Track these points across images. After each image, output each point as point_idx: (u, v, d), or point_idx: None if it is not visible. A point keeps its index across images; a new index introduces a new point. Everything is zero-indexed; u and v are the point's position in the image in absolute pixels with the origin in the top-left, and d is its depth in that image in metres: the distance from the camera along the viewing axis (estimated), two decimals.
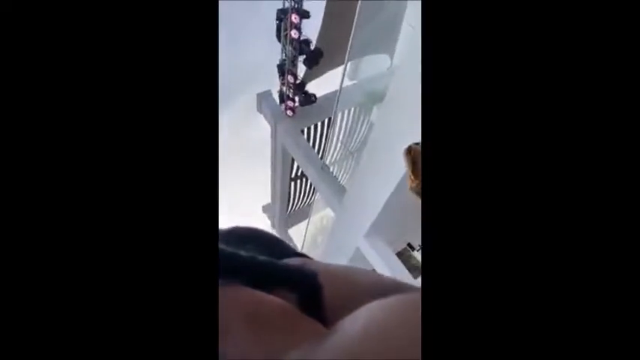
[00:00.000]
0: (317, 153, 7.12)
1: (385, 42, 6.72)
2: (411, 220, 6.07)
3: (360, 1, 3.87)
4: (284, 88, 6.50)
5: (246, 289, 0.18)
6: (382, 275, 0.22)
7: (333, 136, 6.90)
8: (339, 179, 7.10)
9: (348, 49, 4.38)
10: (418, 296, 0.16)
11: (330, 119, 6.94)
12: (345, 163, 7.87)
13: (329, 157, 7.28)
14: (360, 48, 4.51)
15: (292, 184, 9.02)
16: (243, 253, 0.20)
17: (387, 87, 4.24)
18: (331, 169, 6.82)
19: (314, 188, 9.10)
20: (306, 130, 7.39)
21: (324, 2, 5.16)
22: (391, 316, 0.13)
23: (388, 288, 0.19)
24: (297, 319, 0.17)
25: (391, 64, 7.31)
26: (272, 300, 0.18)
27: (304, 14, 5.15)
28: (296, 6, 5.02)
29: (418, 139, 3.51)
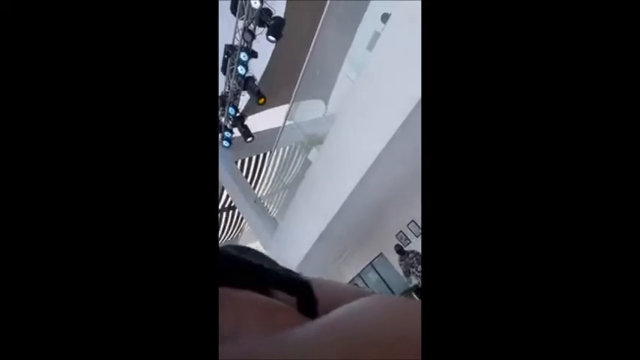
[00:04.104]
0: (250, 185, 7.12)
1: (322, 89, 7.31)
2: (338, 258, 6.35)
3: (311, 46, 4.26)
4: (223, 119, 6.52)
5: (257, 295, 0.19)
6: (360, 287, 0.28)
7: (268, 170, 7.01)
8: (270, 212, 7.14)
9: (295, 91, 4.71)
10: (393, 297, 0.18)
11: (264, 154, 7.09)
12: (275, 197, 7.97)
13: (262, 191, 7.33)
14: (300, 92, 4.89)
15: (220, 215, 8.71)
16: (258, 262, 0.22)
17: (323, 131, 4.61)
18: (263, 202, 6.85)
19: (242, 220, 8.90)
20: (240, 161, 7.38)
21: (273, 46, 5.51)
22: (361, 306, 0.15)
23: (367, 294, 0.21)
24: (298, 320, 0.18)
25: (326, 109, 7.92)
26: (280, 305, 0.19)
27: (253, 54, 5.40)
28: (246, 45, 5.26)
29: (352, 182, 3.84)
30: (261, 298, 0.19)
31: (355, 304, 0.16)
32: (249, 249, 0.27)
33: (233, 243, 9.89)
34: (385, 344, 0.13)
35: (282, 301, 0.20)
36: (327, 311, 0.17)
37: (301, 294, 0.20)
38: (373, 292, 0.21)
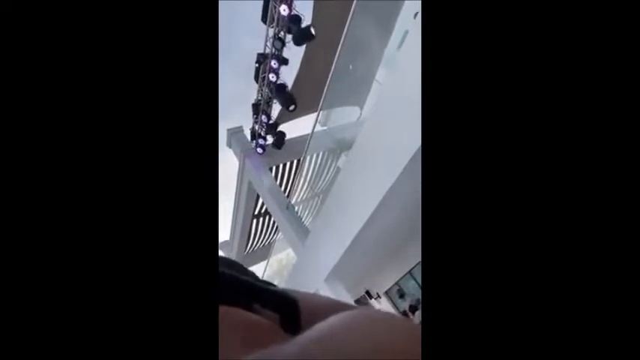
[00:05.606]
0: (283, 192, 7.15)
1: (357, 95, 7.21)
2: (372, 266, 6.15)
3: (337, 54, 4.20)
4: (256, 127, 6.63)
5: (241, 312, 0.20)
6: (348, 303, 0.25)
7: (300, 177, 7.00)
8: (304, 220, 7.10)
9: (323, 97, 4.65)
10: (373, 312, 0.18)
11: (298, 160, 7.10)
12: (310, 203, 7.94)
13: (295, 197, 7.33)
14: (333, 98, 4.82)
15: (254, 221, 8.85)
16: (243, 277, 0.23)
17: (355, 136, 4.50)
18: (296, 209, 6.82)
19: (276, 227, 8.99)
20: (274, 168, 7.46)
21: (303, 52, 5.53)
22: (341, 322, 0.15)
23: (351, 308, 0.21)
24: (281, 338, 0.19)
25: (360, 114, 7.79)
26: (263, 322, 0.20)
27: (283, 61, 5.45)
28: (276, 53, 5.32)
29: (383, 186, 3.67)
30: (244, 315, 0.20)
31: (335, 320, 0.16)
32: (235, 263, 0.28)
33: (263, 252, 10.03)
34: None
35: (266, 317, 0.20)
36: (309, 325, 0.17)
37: (284, 311, 0.21)
38: (357, 306, 0.22)
